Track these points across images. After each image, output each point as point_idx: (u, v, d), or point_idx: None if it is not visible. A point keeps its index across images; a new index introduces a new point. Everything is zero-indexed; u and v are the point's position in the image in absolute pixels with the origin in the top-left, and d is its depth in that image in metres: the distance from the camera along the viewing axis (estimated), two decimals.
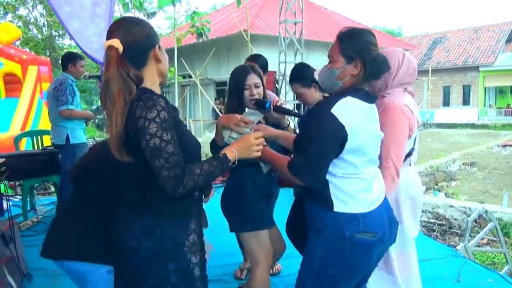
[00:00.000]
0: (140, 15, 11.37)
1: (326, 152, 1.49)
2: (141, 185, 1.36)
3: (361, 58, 1.52)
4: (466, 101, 24.37)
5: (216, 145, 2.00)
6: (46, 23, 13.28)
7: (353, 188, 1.53)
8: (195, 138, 1.49)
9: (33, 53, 11.59)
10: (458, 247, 3.49)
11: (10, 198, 4.92)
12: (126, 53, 1.31)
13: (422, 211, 6.59)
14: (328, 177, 1.53)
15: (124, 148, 1.29)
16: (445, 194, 8.16)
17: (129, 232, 1.36)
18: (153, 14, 11.42)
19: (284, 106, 2.08)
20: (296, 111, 2.29)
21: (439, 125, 20.00)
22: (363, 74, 1.53)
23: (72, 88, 3.89)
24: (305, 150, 1.50)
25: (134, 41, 1.33)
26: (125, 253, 1.37)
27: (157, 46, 1.39)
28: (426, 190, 8.55)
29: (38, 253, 2.08)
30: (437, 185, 8.96)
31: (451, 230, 5.77)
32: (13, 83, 8.55)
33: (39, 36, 14.30)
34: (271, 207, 2.48)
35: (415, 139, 2.05)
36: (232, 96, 2.13)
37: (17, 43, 12.34)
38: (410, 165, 2.05)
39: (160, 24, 32.08)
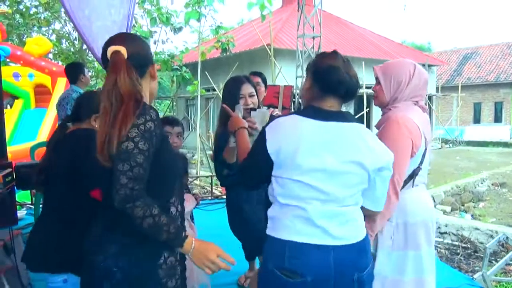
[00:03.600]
0: (167, 30, 11.68)
1: (254, 164, 1.49)
2: None
3: (310, 72, 1.52)
4: (498, 119, 23.50)
5: (223, 162, 1.96)
6: (77, 36, 13.78)
7: (288, 215, 1.40)
8: (176, 162, 1.41)
9: (64, 65, 12.03)
10: (475, 276, 3.28)
11: (28, 206, 5.05)
12: (130, 61, 1.30)
13: (446, 232, 6.33)
14: (270, 198, 1.48)
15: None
16: (472, 215, 7.81)
17: (102, 251, 1.29)
18: (180, 29, 11.69)
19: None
20: None
21: (469, 143, 19.31)
22: (315, 88, 1.49)
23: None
24: (247, 156, 1.54)
25: (137, 52, 1.34)
26: (96, 273, 1.30)
27: (154, 64, 1.41)
28: (452, 210, 8.22)
29: None
30: (463, 205, 8.59)
31: (476, 254, 5.49)
32: (43, 94, 8.91)
33: (72, 50, 14.86)
34: None
35: (422, 157, 1.85)
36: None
37: (50, 55, 12.85)
38: (413, 187, 1.85)
39: (186, 38, 32.71)
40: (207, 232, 3.44)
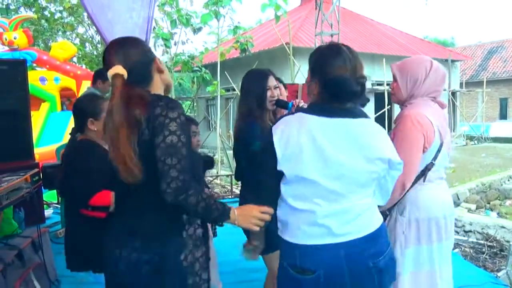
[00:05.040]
0: (187, 30, 11.83)
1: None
2: (140, 202, 1.33)
3: (318, 78, 1.44)
4: None
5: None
6: (100, 40, 14.10)
7: (296, 219, 1.42)
8: (198, 154, 1.49)
9: (88, 68, 12.34)
10: (499, 273, 3.20)
11: (54, 206, 5.22)
12: (131, 76, 1.31)
13: (470, 231, 6.19)
14: (280, 198, 1.48)
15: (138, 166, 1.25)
16: (498, 213, 7.61)
17: (119, 251, 1.33)
18: (199, 29, 11.81)
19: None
20: None
21: (495, 139, 18.74)
22: (323, 94, 1.43)
23: None
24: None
25: (135, 62, 1.33)
26: (120, 267, 1.33)
27: (156, 58, 1.41)
28: (477, 208, 8.02)
29: None
30: (489, 203, 8.38)
31: (502, 253, 5.34)
32: (68, 97, 9.18)
33: (95, 53, 15.20)
34: None
35: (436, 153, 1.82)
36: (250, 98, 2.15)
37: (74, 59, 13.19)
38: (424, 182, 1.83)
39: (205, 39, 33.00)
40: (227, 230, 3.47)
